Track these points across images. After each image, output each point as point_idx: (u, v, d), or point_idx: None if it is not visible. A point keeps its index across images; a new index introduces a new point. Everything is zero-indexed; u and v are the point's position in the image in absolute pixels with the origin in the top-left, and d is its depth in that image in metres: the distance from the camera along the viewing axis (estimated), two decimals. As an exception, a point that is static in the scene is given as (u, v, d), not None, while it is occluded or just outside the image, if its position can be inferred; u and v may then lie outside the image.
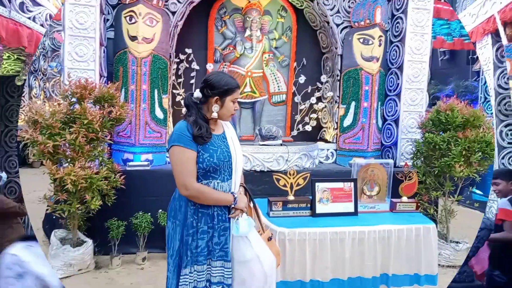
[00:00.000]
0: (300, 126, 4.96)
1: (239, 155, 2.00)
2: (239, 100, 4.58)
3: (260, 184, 3.90)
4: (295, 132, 4.96)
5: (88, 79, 3.26)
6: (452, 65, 8.55)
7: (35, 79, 8.76)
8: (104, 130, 3.11)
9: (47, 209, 3.20)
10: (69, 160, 2.94)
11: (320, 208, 2.55)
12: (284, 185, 2.55)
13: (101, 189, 3.08)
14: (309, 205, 2.56)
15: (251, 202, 2.07)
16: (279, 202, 2.52)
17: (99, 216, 3.41)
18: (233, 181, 1.97)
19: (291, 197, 2.56)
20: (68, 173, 2.81)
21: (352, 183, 2.62)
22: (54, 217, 3.25)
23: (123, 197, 3.48)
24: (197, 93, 1.91)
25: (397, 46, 4.48)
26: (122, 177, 3.32)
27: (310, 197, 2.59)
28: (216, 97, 1.88)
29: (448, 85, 7.55)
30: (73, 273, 3.16)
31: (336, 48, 4.68)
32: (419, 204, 3.92)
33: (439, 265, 3.70)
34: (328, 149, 4.72)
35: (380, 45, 4.41)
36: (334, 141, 4.74)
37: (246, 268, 1.93)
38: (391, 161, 2.79)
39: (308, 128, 4.94)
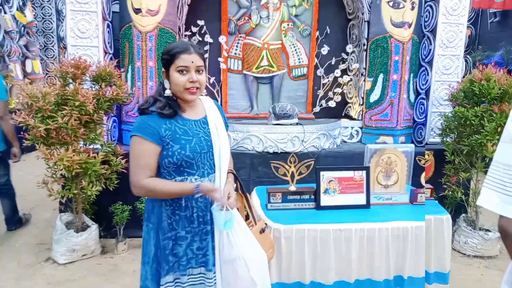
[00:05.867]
0: (323, 102, 4.57)
1: (224, 145, 1.69)
2: (256, 75, 4.39)
3: (274, 167, 3.63)
4: (317, 109, 4.58)
5: (82, 56, 3.07)
6: (504, 28, 7.55)
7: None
8: (100, 112, 2.93)
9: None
10: (62, 144, 2.80)
11: (325, 200, 2.24)
12: (284, 174, 2.26)
13: (99, 174, 2.93)
14: (313, 196, 2.26)
15: (241, 190, 1.80)
16: (278, 193, 2.23)
17: (106, 200, 3.30)
18: (218, 176, 1.66)
19: (292, 188, 2.27)
20: (61, 158, 2.67)
21: (364, 172, 2.27)
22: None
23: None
24: None
25: (430, 6, 3.92)
26: (124, 160, 3.15)
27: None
28: (164, 70, 1.60)
29: (498, 51, 6.73)
30: (77, 259, 3.10)
31: (362, 14, 4.18)
32: (445, 186, 3.53)
33: (464, 254, 3.33)
34: (352, 127, 4.32)
35: (412, 8, 3.87)
36: (360, 118, 4.32)
37: (230, 268, 1.68)
38: (411, 145, 2.40)
39: (332, 104, 4.53)
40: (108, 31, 3.72)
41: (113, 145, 3.21)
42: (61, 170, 2.78)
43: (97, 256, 3.22)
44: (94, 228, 3.20)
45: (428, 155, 2.36)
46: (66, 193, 2.92)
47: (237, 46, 4.42)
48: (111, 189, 3.17)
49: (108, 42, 3.70)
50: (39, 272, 2.98)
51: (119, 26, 3.82)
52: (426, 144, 4.01)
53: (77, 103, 2.71)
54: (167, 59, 1.58)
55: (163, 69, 1.63)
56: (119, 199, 3.35)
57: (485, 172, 3.49)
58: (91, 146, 3.08)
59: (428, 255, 2.15)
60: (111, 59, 3.63)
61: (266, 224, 1.97)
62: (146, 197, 1.72)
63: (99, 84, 3.04)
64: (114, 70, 3.15)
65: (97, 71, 3.05)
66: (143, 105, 1.61)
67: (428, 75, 3.95)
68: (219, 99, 4.41)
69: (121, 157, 3.16)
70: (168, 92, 1.61)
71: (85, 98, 2.74)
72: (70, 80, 2.96)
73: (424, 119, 4.07)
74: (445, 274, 2.18)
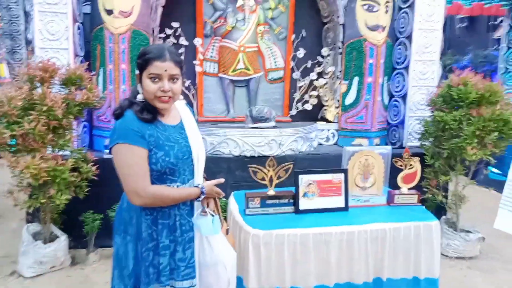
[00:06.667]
0: (299, 105, 4.57)
1: (201, 149, 1.65)
2: (232, 78, 4.34)
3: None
4: (294, 112, 4.57)
5: (50, 59, 2.94)
6: (471, 33, 7.82)
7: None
8: (69, 117, 2.80)
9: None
10: (29, 151, 2.66)
11: (304, 204, 2.21)
12: (262, 178, 2.21)
13: (68, 181, 2.80)
14: (292, 200, 2.23)
15: None
16: (257, 197, 2.19)
17: (75, 208, 3.15)
18: (197, 181, 1.64)
19: (271, 192, 2.22)
20: (28, 166, 2.53)
21: (342, 174, 2.26)
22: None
23: (101, 187, 3.20)
24: None
25: (406, 12, 3.99)
26: (95, 167, 3.03)
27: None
28: (138, 72, 1.53)
29: (466, 55, 6.95)
30: (45, 271, 2.95)
31: (338, 17, 4.21)
32: (425, 190, 3.58)
33: (447, 256, 3.38)
34: (329, 130, 4.33)
35: (386, 12, 3.93)
36: (336, 120, 4.34)
37: (212, 272, 1.66)
38: (388, 147, 2.42)
39: (308, 106, 4.54)
40: (79, 33, 3.59)
41: (83, 151, 3.08)
42: (28, 178, 2.64)
43: (67, 268, 3.07)
44: (63, 239, 3.05)
45: (414, 161, 2.36)
46: (33, 203, 2.77)
47: (213, 49, 4.36)
48: (81, 197, 3.03)
49: (79, 44, 3.58)
50: None
51: (90, 27, 3.70)
52: (402, 147, 4.05)
53: (45, 108, 2.58)
54: (141, 64, 1.51)
55: (137, 72, 1.55)
56: (89, 208, 3.22)
57: (465, 175, 3.52)
58: (60, 153, 2.94)
59: (418, 261, 2.13)
60: (81, 61, 3.51)
61: (228, 225, 2.04)
62: (123, 208, 1.62)
63: (69, 88, 2.91)
64: (85, 73, 3.03)
65: (66, 74, 2.92)
66: (117, 110, 1.53)
67: (404, 80, 4.01)
68: (194, 103, 4.33)
69: (92, 163, 3.04)
70: (140, 97, 1.54)
71: (53, 102, 2.61)
72: (38, 84, 2.83)
73: (398, 121, 4.13)
74: (435, 280, 2.17)
